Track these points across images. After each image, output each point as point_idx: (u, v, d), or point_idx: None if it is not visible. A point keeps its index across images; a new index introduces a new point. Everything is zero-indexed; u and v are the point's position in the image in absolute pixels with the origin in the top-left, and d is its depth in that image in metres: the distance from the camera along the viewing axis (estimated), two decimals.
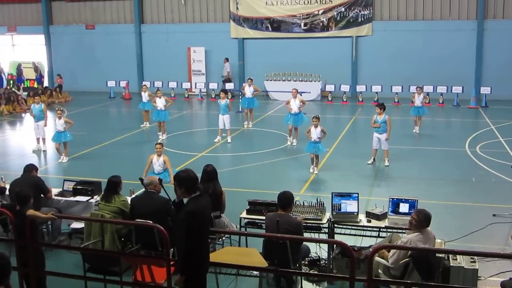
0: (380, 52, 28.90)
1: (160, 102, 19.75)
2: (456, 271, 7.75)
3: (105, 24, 34.07)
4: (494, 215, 11.30)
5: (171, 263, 6.72)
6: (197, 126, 23.76)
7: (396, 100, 26.96)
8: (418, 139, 19.43)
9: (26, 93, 30.23)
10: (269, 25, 30.75)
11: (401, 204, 8.94)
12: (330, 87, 28.60)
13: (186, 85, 30.73)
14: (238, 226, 9.47)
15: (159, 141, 13.80)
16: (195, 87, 30.91)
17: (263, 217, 8.96)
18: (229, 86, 29.26)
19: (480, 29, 27.58)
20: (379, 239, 8.89)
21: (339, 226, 9.10)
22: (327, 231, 9.09)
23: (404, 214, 8.80)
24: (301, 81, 28.98)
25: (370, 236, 9.07)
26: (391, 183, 14.32)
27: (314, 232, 9.01)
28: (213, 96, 29.45)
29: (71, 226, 10.18)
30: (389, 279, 7.57)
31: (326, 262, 8.91)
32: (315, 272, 8.83)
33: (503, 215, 11.29)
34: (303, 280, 8.51)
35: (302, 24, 30.22)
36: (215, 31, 31.56)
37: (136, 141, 19.74)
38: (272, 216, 8.11)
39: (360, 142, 18.55)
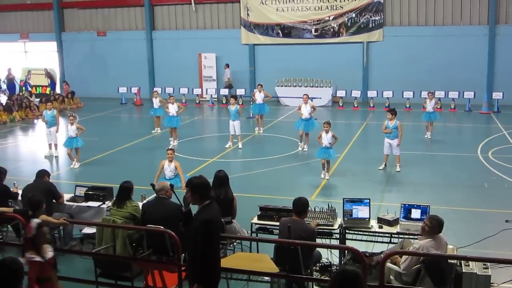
0: (391, 57, 28.83)
1: (173, 108, 19.80)
2: (468, 277, 7.68)
3: (116, 31, 34.25)
4: (506, 221, 11.20)
5: (182, 268, 6.73)
6: (208, 132, 23.79)
7: (408, 106, 26.86)
8: (429, 145, 19.35)
9: (38, 99, 30.41)
10: (279, 31, 30.79)
11: (413, 210, 8.90)
12: (341, 93, 28.57)
13: (197, 91, 30.78)
14: (249, 232, 9.47)
15: (170, 147, 13.81)
16: (206, 93, 30.96)
17: (274, 223, 8.98)
18: (233, 91, 29.55)
19: (492, 34, 27.45)
20: (391, 245, 8.85)
21: (351, 232, 9.07)
22: (338, 236, 9.07)
23: (416, 220, 8.76)
24: (312, 86, 28.96)
25: (382, 242, 9.03)
26: (402, 188, 14.26)
27: (325, 238, 8.99)
28: (224, 102, 29.48)
29: (82, 231, 10.20)
30: (401, 285, 7.53)
31: (337, 267, 8.87)
32: (327, 278, 8.78)
33: None
34: (314, 286, 8.48)
35: (313, 30, 30.22)
36: (226, 37, 31.63)
37: (147, 147, 19.79)
38: (285, 221, 8.10)
39: (371, 148, 18.50)
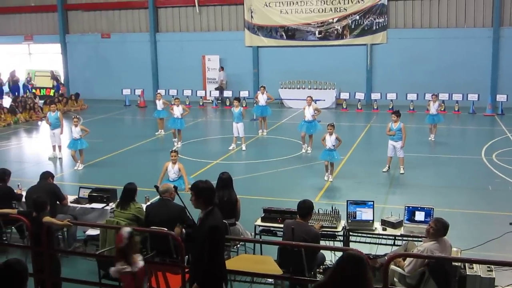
0: (395, 60, 28.81)
1: (177, 110, 19.81)
2: (472, 280, 7.67)
3: (120, 33, 34.33)
4: (511, 223, 11.15)
5: (186, 270, 6.73)
6: (212, 134, 23.80)
7: (411, 108, 26.83)
8: (433, 147, 19.32)
9: (42, 101, 30.48)
10: (283, 33, 30.80)
11: (417, 212, 8.89)
12: (344, 95, 28.57)
13: (200, 93, 30.83)
14: (253, 234, 9.46)
15: (174, 149, 13.81)
16: (210, 95, 30.99)
17: (278, 225, 8.97)
18: (227, 94, 30.15)
19: (496, 36, 27.41)
20: (395, 247, 8.84)
21: (354, 234, 9.07)
22: (342, 239, 9.06)
23: (420, 222, 8.75)
24: (316, 89, 28.96)
25: (386, 244, 9.02)
26: (406, 191, 14.26)
27: (329, 240, 8.98)
28: (227, 104, 29.50)
29: (86, 233, 10.21)
30: None
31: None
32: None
33: None
34: None
35: (317, 32, 30.22)
36: (229, 39, 31.66)
37: (151, 148, 19.81)
38: (289, 223, 8.09)
39: (375, 150, 18.48)
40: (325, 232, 8.93)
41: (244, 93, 28.87)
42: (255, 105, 22.97)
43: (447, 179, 15.19)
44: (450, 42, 28.00)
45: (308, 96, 19.12)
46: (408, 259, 7.65)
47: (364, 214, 9.05)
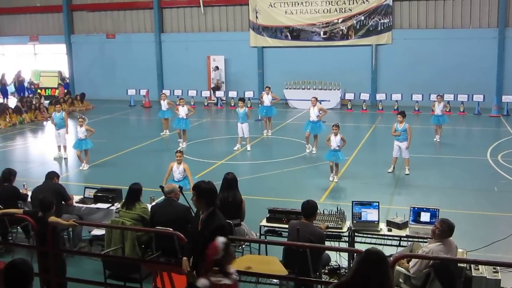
0: (400, 60, 28.76)
1: (182, 111, 19.82)
2: (478, 281, 7.65)
3: (125, 33, 34.37)
4: None
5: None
6: (217, 134, 23.80)
7: (417, 109, 26.79)
8: (438, 148, 19.28)
9: (48, 101, 30.54)
10: (288, 34, 30.78)
11: (422, 213, 8.87)
12: (349, 96, 28.54)
13: (205, 93, 30.86)
14: (258, 234, 9.46)
15: (179, 149, 13.83)
16: (215, 96, 31.02)
17: (283, 225, 8.98)
18: (219, 94, 30.36)
19: (502, 37, 27.32)
20: (400, 248, 8.82)
21: (360, 234, 9.05)
22: (347, 239, 9.06)
23: (425, 223, 8.73)
24: (321, 89, 28.94)
25: (391, 245, 9.00)
26: (411, 191, 14.23)
27: (334, 241, 8.97)
28: (232, 105, 29.50)
29: (92, 233, 10.24)
30: None
31: (346, 270, 8.85)
32: (335, 281, 8.77)
33: None
34: None
35: (322, 33, 30.19)
36: (234, 40, 31.66)
37: (156, 149, 19.84)
38: (294, 224, 8.10)
39: (380, 151, 18.45)
40: (330, 233, 8.93)
41: (249, 94, 28.86)
42: (260, 105, 22.96)
43: (453, 180, 15.15)
44: (455, 43, 27.93)
45: (312, 97, 19.11)
46: (413, 260, 7.63)
47: (370, 215, 9.04)
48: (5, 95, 33.69)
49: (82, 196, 11.11)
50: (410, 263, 7.67)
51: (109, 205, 10.67)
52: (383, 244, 8.99)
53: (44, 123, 26.28)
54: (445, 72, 27.81)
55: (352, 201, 9.19)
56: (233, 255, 6.32)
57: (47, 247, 7.66)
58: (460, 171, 16.16)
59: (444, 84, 27.17)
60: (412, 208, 8.97)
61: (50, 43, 36.34)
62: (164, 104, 22.00)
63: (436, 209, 8.86)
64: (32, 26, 36.74)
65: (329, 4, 29.80)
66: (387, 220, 9.19)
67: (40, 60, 37.76)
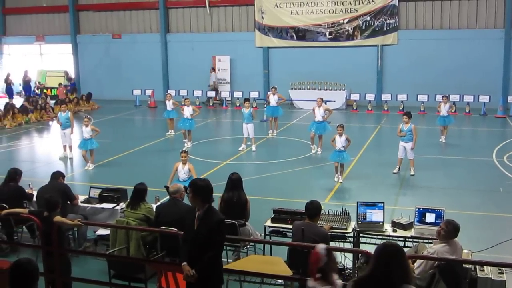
0: (405, 61, 28.70)
1: (188, 111, 19.85)
2: (483, 282, 7.63)
3: (131, 34, 34.43)
4: None
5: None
6: (222, 135, 23.82)
7: (422, 109, 26.73)
8: (444, 149, 19.23)
9: (53, 101, 30.61)
10: (294, 34, 30.77)
11: (428, 214, 8.85)
12: (355, 96, 28.51)
13: (211, 93, 30.88)
14: (263, 235, 9.46)
15: (184, 149, 13.84)
16: (220, 96, 31.04)
17: (288, 226, 8.97)
18: (221, 94, 30.61)
19: (508, 37, 27.23)
20: (405, 249, 8.79)
21: (365, 235, 9.04)
22: (352, 240, 9.04)
23: (431, 224, 8.71)
24: (326, 90, 28.93)
25: None
26: (417, 192, 14.20)
27: (339, 241, 8.96)
28: (237, 105, 29.51)
29: (96, 232, 10.25)
30: None
31: (351, 271, 8.84)
32: (340, 281, 8.75)
33: None
34: None
35: (327, 33, 30.17)
36: (240, 40, 31.68)
37: (161, 149, 19.86)
38: (298, 224, 8.10)
39: (385, 151, 18.42)
40: (335, 233, 8.92)
41: (254, 94, 28.86)
42: (265, 106, 22.94)
43: (458, 181, 15.12)
44: (461, 43, 27.86)
45: (318, 97, 19.11)
46: (418, 261, 7.61)
47: (374, 215, 9.03)
48: (11, 95, 33.78)
49: (87, 196, 11.13)
50: (415, 264, 7.64)
51: (114, 205, 10.69)
52: None
53: (50, 123, 26.33)
54: (451, 73, 27.76)
55: (357, 202, 9.18)
56: (336, 262, 6.03)
57: (52, 246, 7.68)
58: (466, 172, 16.12)
59: (450, 84, 27.10)
60: (417, 209, 8.95)
61: (56, 43, 36.43)
62: (170, 104, 22.03)
63: (441, 210, 8.84)
64: (38, 26, 36.86)
65: (335, 4, 29.78)
66: (392, 221, 9.17)
67: (46, 60, 37.84)
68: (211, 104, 30.60)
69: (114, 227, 9.12)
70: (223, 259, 8.79)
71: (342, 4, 29.66)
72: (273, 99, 21.86)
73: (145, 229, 8.96)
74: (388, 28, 29.20)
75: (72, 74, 36.04)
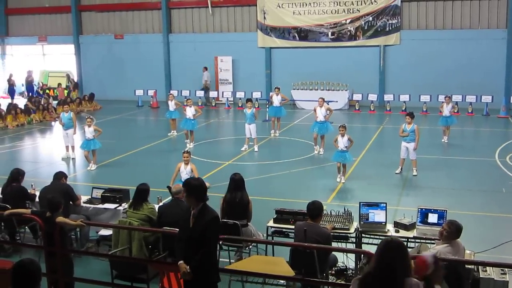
0: (408, 61, 28.68)
1: (190, 111, 19.85)
2: (486, 283, 7.62)
3: (133, 34, 34.46)
4: None
5: None
6: (224, 135, 23.82)
7: (425, 109, 26.70)
8: (446, 149, 19.20)
9: (56, 101, 30.66)
10: (296, 35, 30.77)
11: (430, 215, 8.84)
12: (357, 96, 28.50)
13: (213, 94, 30.89)
14: (265, 235, 9.46)
15: (186, 150, 13.84)
16: (222, 96, 31.06)
17: (290, 226, 8.96)
18: (211, 94, 30.57)
19: (510, 38, 27.16)
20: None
21: (367, 236, 9.04)
22: (354, 240, 9.04)
23: (433, 224, 8.71)
24: (328, 90, 28.91)
25: None
26: (419, 193, 14.19)
27: (341, 242, 8.96)
28: (240, 105, 29.51)
29: (99, 233, 10.26)
30: None
31: (353, 271, 8.83)
32: (342, 282, 8.75)
33: None
34: None
35: (330, 33, 30.16)
36: (242, 40, 31.68)
37: (163, 149, 19.87)
38: (300, 225, 8.10)
39: (388, 152, 18.40)
40: (338, 234, 8.91)
41: (256, 94, 28.86)
42: (267, 106, 22.93)
43: (460, 181, 15.10)
44: (463, 44, 27.83)
45: (320, 98, 19.12)
46: None
47: (377, 216, 9.03)
48: (13, 95, 33.84)
49: (89, 196, 11.15)
50: None
51: (117, 205, 10.70)
52: None
53: (52, 123, 26.37)
54: (453, 73, 27.72)
55: (360, 202, 9.18)
56: (442, 271, 5.68)
57: (55, 247, 7.69)
58: (468, 172, 16.10)
59: (452, 85, 27.07)
60: (419, 209, 8.94)
61: (59, 43, 36.48)
62: (172, 105, 22.05)
63: (444, 210, 8.83)
64: (40, 26, 36.91)
65: (337, 4, 29.77)
66: (394, 221, 9.17)
67: (49, 60, 37.89)
68: (213, 104, 30.61)
69: (116, 228, 9.12)
70: (225, 260, 8.87)
71: (345, 4, 29.65)
72: (276, 100, 21.86)
73: (147, 229, 8.96)
74: (390, 28, 29.19)
75: (75, 76, 36.04)
